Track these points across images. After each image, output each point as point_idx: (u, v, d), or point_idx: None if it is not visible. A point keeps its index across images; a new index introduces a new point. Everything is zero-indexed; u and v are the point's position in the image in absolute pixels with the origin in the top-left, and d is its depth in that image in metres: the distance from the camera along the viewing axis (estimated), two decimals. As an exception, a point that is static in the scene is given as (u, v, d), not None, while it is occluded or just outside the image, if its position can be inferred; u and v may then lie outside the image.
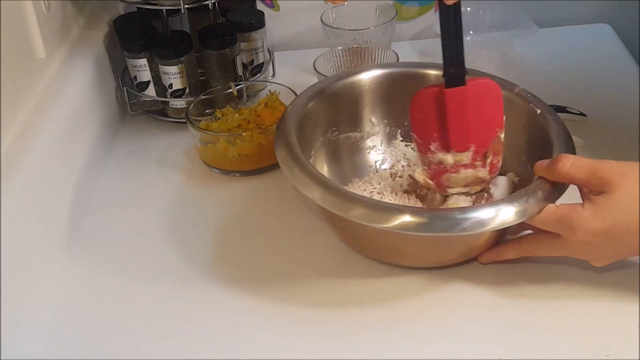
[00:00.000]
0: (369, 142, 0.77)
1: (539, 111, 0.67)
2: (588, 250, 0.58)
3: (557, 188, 0.59)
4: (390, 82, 0.75)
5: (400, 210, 0.57)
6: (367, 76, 0.75)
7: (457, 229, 0.55)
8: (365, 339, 0.59)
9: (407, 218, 0.55)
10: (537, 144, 0.66)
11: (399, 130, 0.77)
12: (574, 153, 0.62)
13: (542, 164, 0.60)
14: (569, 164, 0.57)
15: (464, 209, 0.57)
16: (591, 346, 0.57)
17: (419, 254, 0.64)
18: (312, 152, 0.72)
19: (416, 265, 0.66)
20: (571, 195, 0.58)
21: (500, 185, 0.67)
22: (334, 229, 0.69)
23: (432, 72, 0.74)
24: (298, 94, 0.74)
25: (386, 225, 0.56)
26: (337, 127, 0.75)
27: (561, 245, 0.58)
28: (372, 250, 0.66)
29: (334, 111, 0.73)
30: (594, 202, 0.55)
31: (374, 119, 0.77)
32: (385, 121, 0.77)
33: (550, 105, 0.69)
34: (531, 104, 0.68)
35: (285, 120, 0.68)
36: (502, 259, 0.64)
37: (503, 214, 0.56)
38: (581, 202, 0.57)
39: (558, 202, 0.58)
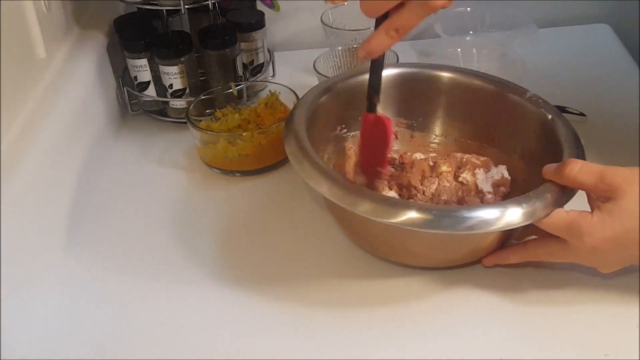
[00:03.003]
0: None
1: (549, 116, 0.67)
2: (595, 257, 0.57)
3: (565, 192, 0.58)
4: (404, 82, 0.75)
5: (407, 206, 0.56)
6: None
7: (462, 227, 0.55)
8: (368, 340, 0.59)
9: (413, 214, 0.55)
10: (548, 148, 0.66)
11: (410, 130, 0.77)
12: (584, 157, 0.62)
13: (550, 167, 0.59)
14: (577, 168, 0.57)
15: (469, 208, 0.57)
16: (592, 350, 0.57)
17: (424, 252, 0.64)
18: (321, 147, 0.71)
19: (420, 265, 0.66)
20: (579, 200, 0.58)
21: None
22: (340, 225, 0.69)
23: (445, 74, 0.74)
24: (298, 93, 0.74)
25: (393, 221, 0.55)
26: (346, 125, 0.74)
27: (568, 251, 0.58)
28: (377, 248, 0.66)
29: (343, 108, 0.73)
30: (603, 209, 0.55)
31: None
32: (396, 120, 0.77)
33: (550, 106, 0.69)
34: (542, 109, 0.68)
35: (295, 113, 0.67)
36: (506, 262, 0.64)
37: (509, 215, 0.56)
38: (588, 208, 0.57)
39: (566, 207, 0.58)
